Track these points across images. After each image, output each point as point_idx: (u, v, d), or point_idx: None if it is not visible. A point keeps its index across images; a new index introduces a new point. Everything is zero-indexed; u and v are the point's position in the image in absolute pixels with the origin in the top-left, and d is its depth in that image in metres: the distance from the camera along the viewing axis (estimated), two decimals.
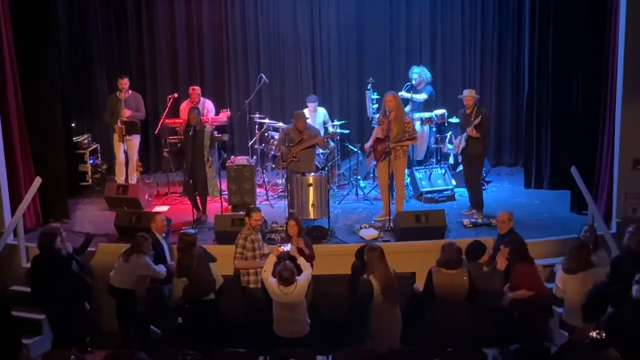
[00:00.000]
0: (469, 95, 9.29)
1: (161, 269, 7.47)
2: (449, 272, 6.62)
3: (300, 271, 6.92)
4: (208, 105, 10.68)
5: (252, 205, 8.86)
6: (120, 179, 10.48)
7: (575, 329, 5.79)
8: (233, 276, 7.56)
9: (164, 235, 7.96)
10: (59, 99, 9.71)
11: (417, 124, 10.39)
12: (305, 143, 9.29)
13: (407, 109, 10.43)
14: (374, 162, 9.50)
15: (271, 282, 6.79)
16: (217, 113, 10.72)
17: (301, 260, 7.05)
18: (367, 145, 9.28)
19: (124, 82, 10.29)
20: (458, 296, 6.58)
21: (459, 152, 9.48)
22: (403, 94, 10.29)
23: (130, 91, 10.40)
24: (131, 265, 7.31)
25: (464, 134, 9.22)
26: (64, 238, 7.55)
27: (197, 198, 9.41)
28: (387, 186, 9.13)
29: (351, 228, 9.04)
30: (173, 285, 7.57)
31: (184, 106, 10.57)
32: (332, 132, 10.27)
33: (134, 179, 10.53)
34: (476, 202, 9.40)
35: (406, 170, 10.47)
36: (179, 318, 7.64)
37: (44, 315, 7.56)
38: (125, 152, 10.42)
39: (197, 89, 10.64)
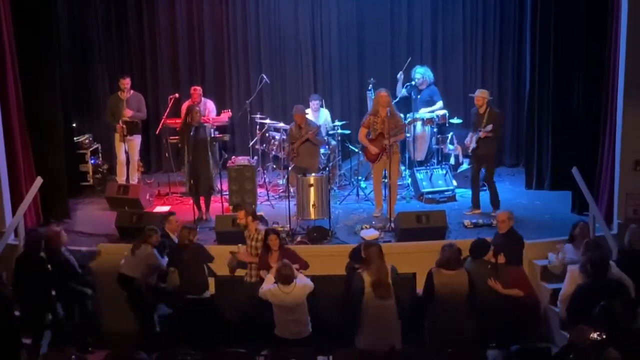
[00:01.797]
0: (479, 95, 9.28)
1: (165, 261, 7.53)
2: (449, 273, 6.61)
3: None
4: (209, 106, 10.68)
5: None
6: (121, 179, 10.49)
7: (576, 330, 5.79)
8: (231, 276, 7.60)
9: (176, 234, 8.01)
10: (60, 98, 9.72)
11: (418, 125, 10.41)
12: (302, 138, 9.35)
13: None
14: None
15: (270, 288, 6.79)
16: (218, 113, 10.72)
17: (300, 275, 7.04)
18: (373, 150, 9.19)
19: (126, 82, 10.29)
20: (458, 297, 6.57)
21: (470, 151, 9.46)
22: (423, 112, 10.40)
23: (131, 91, 10.41)
24: (138, 257, 7.42)
25: (476, 134, 9.20)
26: (64, 241, 7.62)
27: (201, 198, 9.42)
28: (381, 183, 9.15)
29: (352, 229, 9.04)
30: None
31: (186, 107, 10.58)
32: (317, 127, 10.06)
33: (135, 179, 10.54)
34: (495, 200, 9.41)
35: (407, 171, 10.52)
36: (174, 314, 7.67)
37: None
38: (126, 152, 10.42)
39: (199, 89, 10.64)
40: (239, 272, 7.72)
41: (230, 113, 10.76)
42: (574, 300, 6.53)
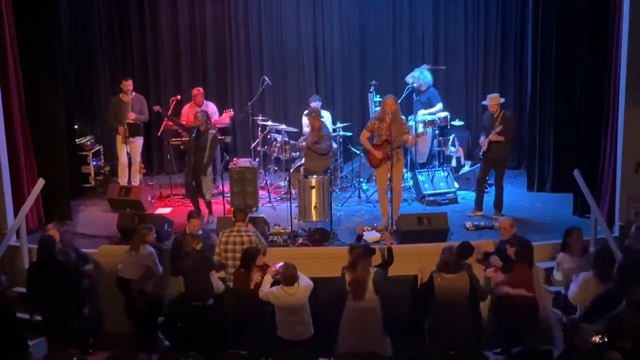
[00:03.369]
0: (492, 102, 9.25)
1: (160, 267, 7.53)
2: (449, 277, 6.61)
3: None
4: (211, 108, 10.68)
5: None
6: (123, 180, 10.48)
7: (577, 333, 5.80)
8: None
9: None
10: (62, 100, 9.72)
11: (420, 127, 10.41)
12: (307, 143, 9.40)
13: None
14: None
15: (272, 290, 6.77)
16: (220, 114, 10.73)
17: (300, 275, 7.02)
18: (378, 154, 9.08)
19: (128, 84, 10.30)
20: (459, 300, 6.57)
21: (481, 154, 9.45)
22: (423, 113, 10.42)
23: (133, 93, 10.42)
24: (136, 257, 7.43)
25: (488, 138, 9.20)
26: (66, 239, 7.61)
27: (201, 200, 9.41)
28: (386, 192, 9.12)
29: (353, 230, 9.03)
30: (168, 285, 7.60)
31: (187, 109, 10.59)
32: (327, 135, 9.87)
33: (136, 180, 10.54)
34: (498, 204, 9.39)
35: (409, 173, 10.51)
36: (177, 322, 7.65)
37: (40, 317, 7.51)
38: (128, 154, 10.42)
39: (201, 90, 10.64)
40: None
41: (232, 113, 10.76)
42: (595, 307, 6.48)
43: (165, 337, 7.80)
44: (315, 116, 9.45)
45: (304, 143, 9.62)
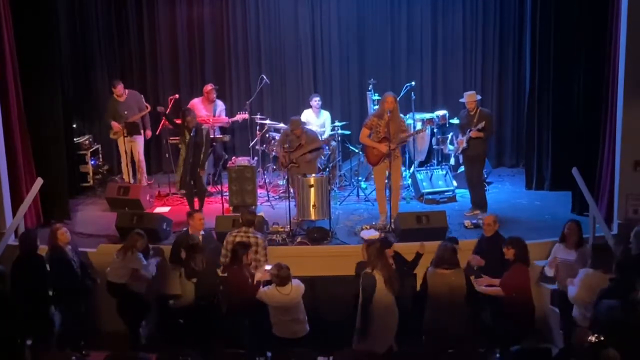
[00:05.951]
0: (469, 99, 9.28)
1: (152, 269, 7.50)
2: (444, 272, 6.60)
3: None
4: (220, 106, 10.71)
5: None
6: (127, 178, 10.49)
7: (574, 333, 5.79)
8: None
9: (202, 232, 7.91)
10: (60, 99, 9.72)
11: (419, 125, 10.41)
12: (304, 149, 9.29)
13: None
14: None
15: (265, 290, 6.78)
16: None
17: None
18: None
19: (118, 90, 10.36)
20: (455, 297, 6.55)
21: (460, 152, 9.49)
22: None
23: (127, 91, 10.43)
24: (124, 261, 7.43)
25: (466, 135, 9.22)
26: (65, 239, 7.59)
27: (196, 200, 9.42)
28: (384, 189, 9.12)
29: (352, 229, 9.04)
30: (180, 287, 7.56)
31: (197, 103, 10.62)
32: (326, 138, 10.14)
33: (142, 179, 10.57)
34: (480, 202, 9.40)
35: (407, 171, 10.51)
36: (180, 319, 7.63)
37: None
38: (126, 153, 10.41)
39: (214, 86, 10.71)
40: None
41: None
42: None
43: (163, 334, 7.80)
44: (294, 125, 9.36)
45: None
